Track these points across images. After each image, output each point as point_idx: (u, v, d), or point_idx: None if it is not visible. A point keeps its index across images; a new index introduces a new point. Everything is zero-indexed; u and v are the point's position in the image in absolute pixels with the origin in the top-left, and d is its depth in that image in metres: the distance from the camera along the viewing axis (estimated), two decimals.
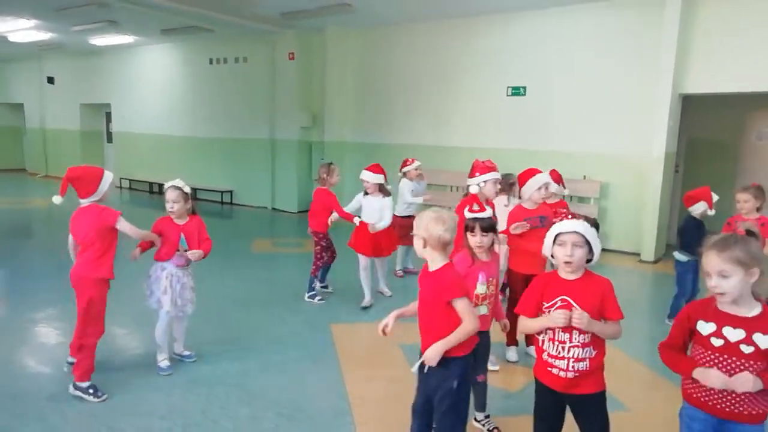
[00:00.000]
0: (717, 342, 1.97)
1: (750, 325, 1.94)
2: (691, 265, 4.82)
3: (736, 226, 4.35)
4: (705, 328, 2.00)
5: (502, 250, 4.07)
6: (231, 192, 12.32)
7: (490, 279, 2.93)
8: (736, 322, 1.95)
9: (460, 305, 2.31)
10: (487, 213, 2.91)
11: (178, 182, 3.77)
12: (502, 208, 4.66)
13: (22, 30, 11.52)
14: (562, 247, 2.28)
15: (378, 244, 5.21)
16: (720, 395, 1.99)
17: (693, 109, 8.58)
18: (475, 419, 3.21)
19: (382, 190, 5.27)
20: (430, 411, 2.48)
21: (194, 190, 13.72)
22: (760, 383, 1.91)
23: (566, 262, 2.27)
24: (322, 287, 5.73)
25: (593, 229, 2.32)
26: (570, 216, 2.38)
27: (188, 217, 3.85)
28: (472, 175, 4.07)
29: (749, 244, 1.96)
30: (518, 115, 8.77)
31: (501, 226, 3.93)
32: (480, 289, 2.88)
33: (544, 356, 2.34)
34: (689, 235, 4.74)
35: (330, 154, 10.45)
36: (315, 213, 5.39)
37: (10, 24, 10.89)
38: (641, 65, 7.62)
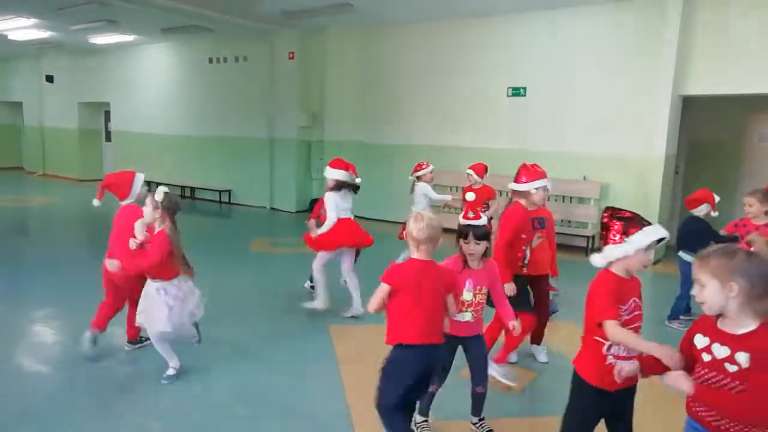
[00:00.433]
0: (706, 357, 1.91)
1: (735, 343, 1.84)
2: None
3: (744, 233, 4.37)
4: (700, 341, 1.95)
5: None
6: (230, 191, 12.30)
7: (478, 287, 2.91)
8: (724, 338, 1.87)
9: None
10: (482, 221, 2.88)
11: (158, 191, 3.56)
12: None
13: (22, 29, 11.48)
14: (647, 252, 2.26)
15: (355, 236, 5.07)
16: (716, 417, 1.90)
17: (694, 111, 8.56)
18: (471, 423, 3.18)
19: (345, 185, 4.97)
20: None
21: (192, 189, 13.65)
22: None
23: (645, 267, 2.32)
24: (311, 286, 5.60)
25: None
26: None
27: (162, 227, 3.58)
28: (518, 180, 3.88)
29: (733, 257, 1.85)
30: (518, 116, 8.75)
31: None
32: (466, 296, 2.88)
33: (609, 360, 2.27)
34: (695, 235, 4.71)
35: (329, 153, 10.42)
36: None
37: (9, 23, 10.85)
38: (642, 66, 7.60)
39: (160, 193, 3.51)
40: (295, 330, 4.79)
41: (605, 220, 2.35)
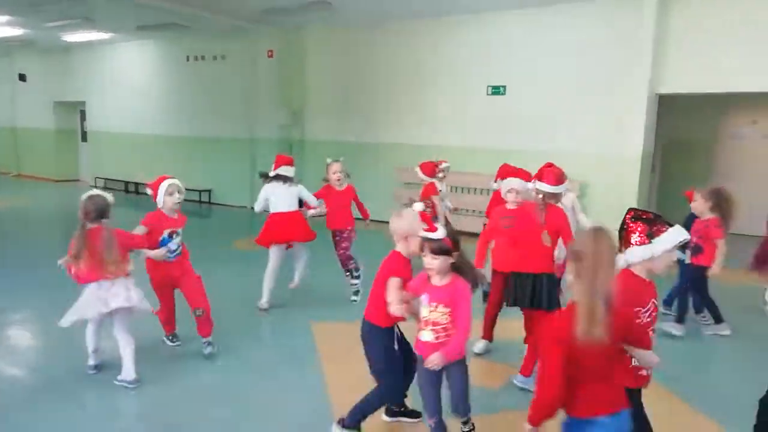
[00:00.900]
0: None
1: None
2: None
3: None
4: None
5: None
6: (209, 191, 12.18)
7: (434, 304, 2.67)
8: None
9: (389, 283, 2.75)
10: (438, 234, 2.62)
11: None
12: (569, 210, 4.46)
13: None
14: (672, 253, 2.28)
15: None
16: None
17: (669, 109, 8.72)
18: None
19: (279, 178, 5.24)
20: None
21: None
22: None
23: (669, 267, 2.32)
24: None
25: None
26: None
27: None
28: (549, 182, 3.81)
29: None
30: (498, 114, 8.81)
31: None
32: (423, 311, 2.72)
33: (633, 362, 2.29)
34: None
35: (311, 153, 10.38)
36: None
37: None
38: (619, 65, 7.71)
39: (85, 195, 3.55)
40: (278, 328, 4.76)
41: (628, 222, 2.32)
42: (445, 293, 2.66)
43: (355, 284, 5.44)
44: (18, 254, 7.29)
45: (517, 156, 7.69)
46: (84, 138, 15.43)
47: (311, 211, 5.24)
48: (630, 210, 2.38)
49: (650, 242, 2.24)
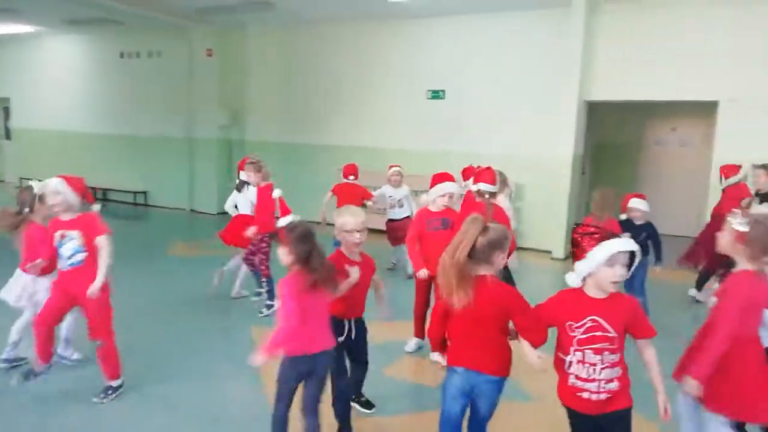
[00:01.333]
0: None
1: None
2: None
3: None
4: None
5: None
6: (145, 193, 11.78)
7: None
8: None
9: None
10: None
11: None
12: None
13: None
14: (612, 267, 2.16)
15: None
16: None
17: (598, 115, 9.18)
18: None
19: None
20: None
21: (104, 190, 12.89)
22: None
23: (615, 282, 2.18)
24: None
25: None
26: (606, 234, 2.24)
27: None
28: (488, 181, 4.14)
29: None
30: (438, 118, 9.01)
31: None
32: None
33: (571, 380, 2.23)
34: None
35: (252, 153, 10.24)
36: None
37: None
38: (551, 71, 8.05)
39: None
40: (217, 334, 4.70)
41: (576, 237, 2.27)
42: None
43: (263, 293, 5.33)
44: None
45: (457, 159, 7.91)
46: (8, 136, 14.56)
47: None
48: (577, 227, 2.35)
49: (586, 257, 2.21)
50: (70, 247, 3.32)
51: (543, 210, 8.30)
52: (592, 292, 2.23)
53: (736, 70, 7.04)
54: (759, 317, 2.46)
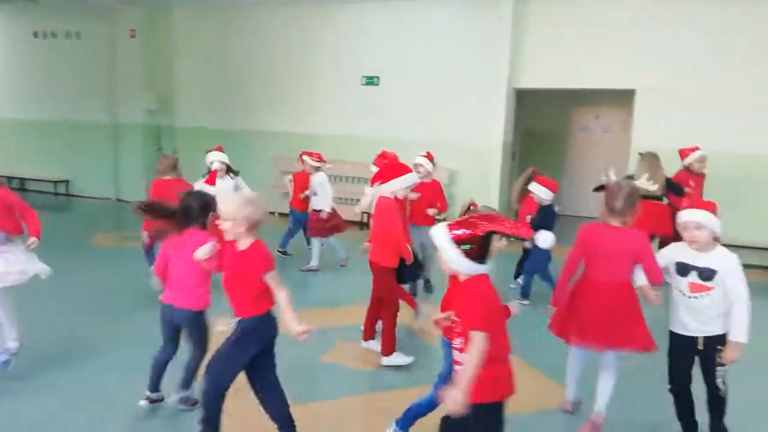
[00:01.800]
0: None
1: None
2: None
3: None
4: None
5: None
6: (67, 182, 11.15)
7: None
8: None
9: (270, 277, 2.65)
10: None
11: None
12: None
13: None
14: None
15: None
16: None
17: (527, 102, 9.49)
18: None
19: (230, 170, 5.91)
20: None
21: (22, 179, 12.08)
22: None
23: None
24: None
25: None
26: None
27: None
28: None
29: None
30: (373, 104, 9.03)
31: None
32: None
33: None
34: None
35: (182, 140, 9.90)
36: None
37: None
38: (482, 59, 8.24)
39: None
40: (151, 326, 4.55)
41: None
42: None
43: None
44: None
45: (393, 145, 7.97)
46: None
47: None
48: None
49: None
50: None
51: (475, 194, 8.44)
52: None
53: (652, 61, 7.46)
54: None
